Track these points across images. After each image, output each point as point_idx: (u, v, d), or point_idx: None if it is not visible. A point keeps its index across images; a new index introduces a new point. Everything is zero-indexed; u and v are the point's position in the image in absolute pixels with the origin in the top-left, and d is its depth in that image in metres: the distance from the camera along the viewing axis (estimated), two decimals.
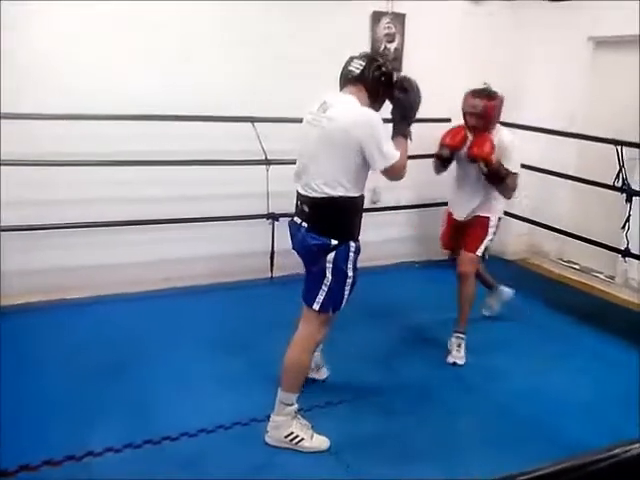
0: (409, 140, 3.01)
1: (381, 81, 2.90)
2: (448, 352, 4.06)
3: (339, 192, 2.82)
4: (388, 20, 5.43)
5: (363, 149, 2.76)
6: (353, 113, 2.79)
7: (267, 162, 4.80)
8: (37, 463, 2.79)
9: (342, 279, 2.93)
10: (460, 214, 4.18)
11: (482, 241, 4.02)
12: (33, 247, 4.47)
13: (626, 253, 4.69)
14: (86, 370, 3.65)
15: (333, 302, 2.97)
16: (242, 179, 4.91)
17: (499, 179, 3.85)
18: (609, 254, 5.08)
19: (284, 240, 5.06)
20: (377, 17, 5.38)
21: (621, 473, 0.70)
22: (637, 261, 4.73)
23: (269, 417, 3.10)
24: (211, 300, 4.81)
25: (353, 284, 2.99)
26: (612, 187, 4.72)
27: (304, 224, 2.95)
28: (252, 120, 4.72)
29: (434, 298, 4.86)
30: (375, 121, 2.78)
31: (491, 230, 4.04)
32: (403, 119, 3.00)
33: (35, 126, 4.19)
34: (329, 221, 2.89)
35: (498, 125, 3.95)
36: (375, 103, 2.92)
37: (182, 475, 2.80)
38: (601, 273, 5.56)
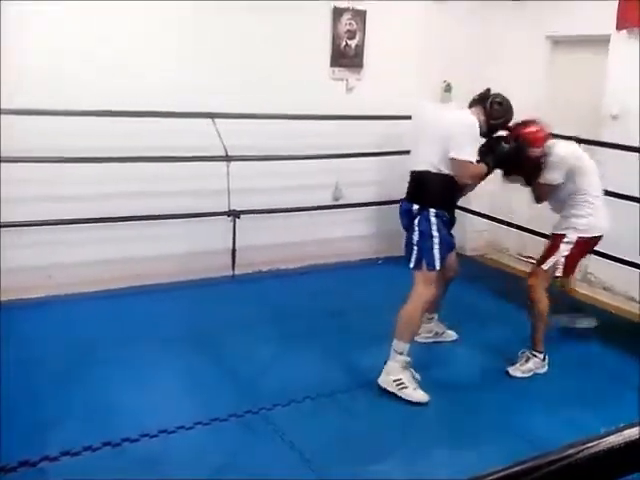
0: (488, 168, 3.62)
1: (496, 110, 3.57)
2: None
3: (429, 168, 3.44)
4: (349, 17, 5.42)
5: (451, 139, 3.33)
6: (461, 116, 3.48)
7: (227, 158, 4.77)
8: None
9: (427, 238, 3.44)
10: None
11: (549, 256, 3.82)
12: None
13: None
14: (43, 371, 3.57)
15: (425, 260, 3.45)
16: (203, 176, 4.86)
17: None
18: None
19: (245, 237, 5.08)
20: (338, 13, 5.37)
21: (575, 474, 0.71)
22: (596, 257, 4.80)
23: (232, 415, 3.11)
24: (173, 298, 4.75)
25: (442, 244, 3.45)
26: None
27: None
28: (212, 116, 4.67)
29: (396, 294, 4.85)
30: (472, 127, 3.40)
31: (563, 247, 3.78)
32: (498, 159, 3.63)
33: None
34: (417, 190, 3.53)
35: (552, 140, 3.80)
36: (485, 124, 3.52)
37: (143, 477, 2.75)
38: None
